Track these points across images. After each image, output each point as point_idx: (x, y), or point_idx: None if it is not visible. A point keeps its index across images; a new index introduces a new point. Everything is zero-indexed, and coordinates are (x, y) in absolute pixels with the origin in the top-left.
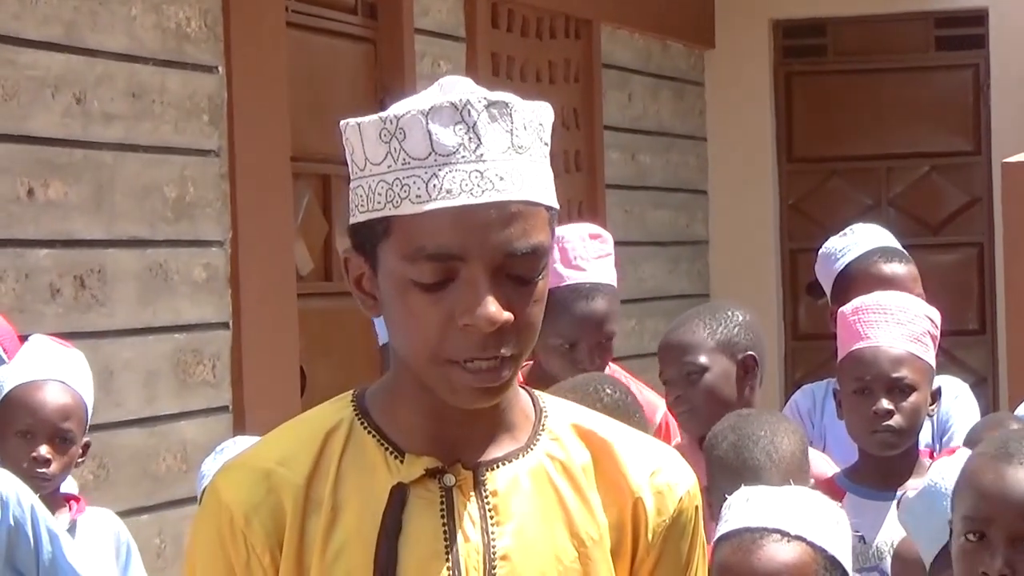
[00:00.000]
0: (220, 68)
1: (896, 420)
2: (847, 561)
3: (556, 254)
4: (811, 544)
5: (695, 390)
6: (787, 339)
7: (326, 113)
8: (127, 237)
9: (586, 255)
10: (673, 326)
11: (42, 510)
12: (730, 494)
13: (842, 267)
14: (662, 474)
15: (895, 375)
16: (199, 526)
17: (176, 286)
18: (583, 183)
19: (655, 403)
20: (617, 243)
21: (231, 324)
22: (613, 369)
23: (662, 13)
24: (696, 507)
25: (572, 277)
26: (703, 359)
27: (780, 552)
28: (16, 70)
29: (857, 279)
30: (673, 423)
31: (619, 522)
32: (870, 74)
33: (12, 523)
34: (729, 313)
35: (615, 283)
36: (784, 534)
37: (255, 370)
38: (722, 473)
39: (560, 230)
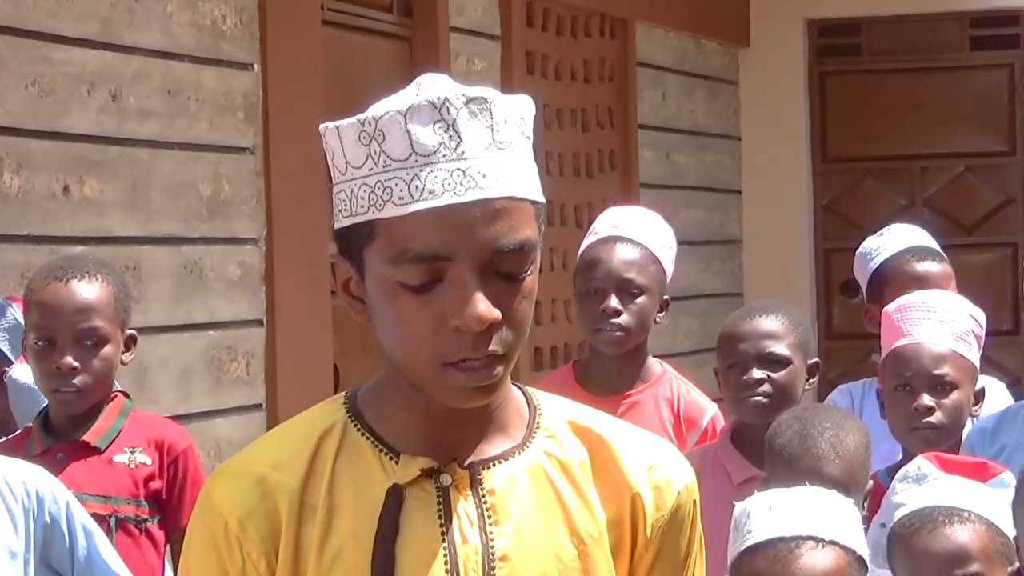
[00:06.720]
0: (256, 66)
1: (937, 417)
2: (867, 555)
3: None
4: (843, 547)
5: (775, 379)
6: (821, 338)
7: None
8: (162, 234)
9: (624, 222)
10: (742, 314)
11: (77, 507)
12: (790, 486)
13: (876, 266)
14: (660, 469)
15: (936, 372)
16: (193, 533)
17: (211, 283)
18: (617, 182)
19: (704, 405)
20: None
21: (265, 321)
22: (667, 369)
23: (697, 12)
24: (694, 501)
25: (602, 232)
26: (787, 351)
27: (819, 560)
28: (52, 67)
29: (891, 278)
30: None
31: (617, 518)
32: (904, 74)
33: (47, 520)
34: (799, 315)
35: (660, 254)
36: (818, 540)
37: (289, 368)
38: (782, 463)
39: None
